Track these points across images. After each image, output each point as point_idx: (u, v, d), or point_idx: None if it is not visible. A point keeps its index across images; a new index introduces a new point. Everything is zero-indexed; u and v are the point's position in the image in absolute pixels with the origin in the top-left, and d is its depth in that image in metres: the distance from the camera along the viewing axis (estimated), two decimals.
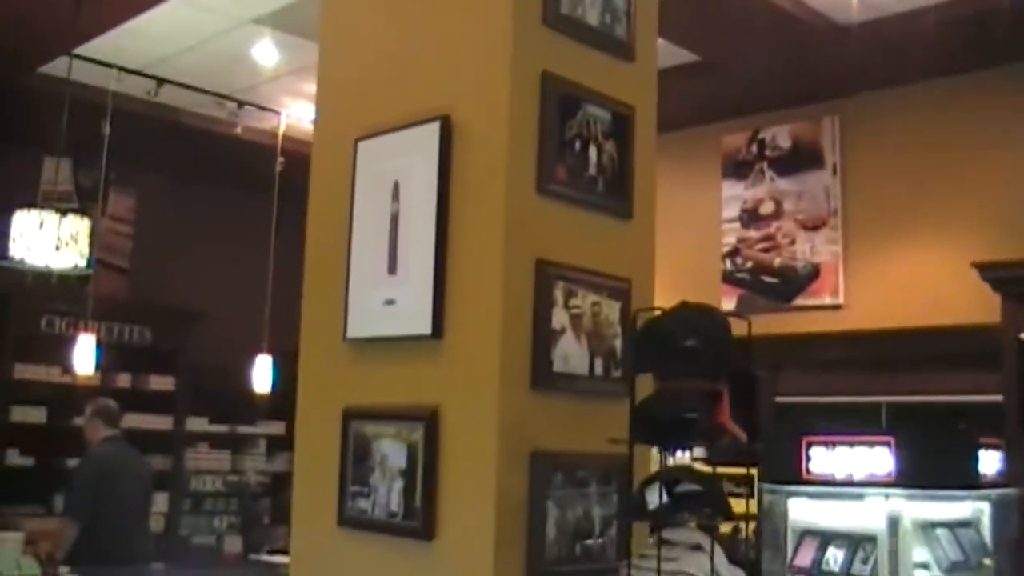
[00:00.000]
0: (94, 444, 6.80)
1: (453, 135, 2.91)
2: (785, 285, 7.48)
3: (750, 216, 7.79)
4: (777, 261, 7.58)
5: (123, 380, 8.94)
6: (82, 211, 5.78)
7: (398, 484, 2.89)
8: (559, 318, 2.85)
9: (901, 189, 7.12)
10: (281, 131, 8.15)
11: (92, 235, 5.71)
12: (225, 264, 10.02)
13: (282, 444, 10.21)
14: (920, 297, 6.86)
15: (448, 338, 2.84)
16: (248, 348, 9.52)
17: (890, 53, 6.74)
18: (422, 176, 2.94)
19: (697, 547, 2.64)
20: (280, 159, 7.98)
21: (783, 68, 7.06)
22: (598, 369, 2.95)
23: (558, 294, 2.86)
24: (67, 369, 8.65)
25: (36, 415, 8.64)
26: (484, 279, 2.79)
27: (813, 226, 7.42)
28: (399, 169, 3.02)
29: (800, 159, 7.58)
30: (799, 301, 7.40)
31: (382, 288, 3.00)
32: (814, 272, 7.38)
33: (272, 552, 7.44)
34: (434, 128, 2.93)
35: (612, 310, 3.00)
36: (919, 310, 6.74)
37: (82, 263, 5.69)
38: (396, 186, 3.02)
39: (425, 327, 2.86)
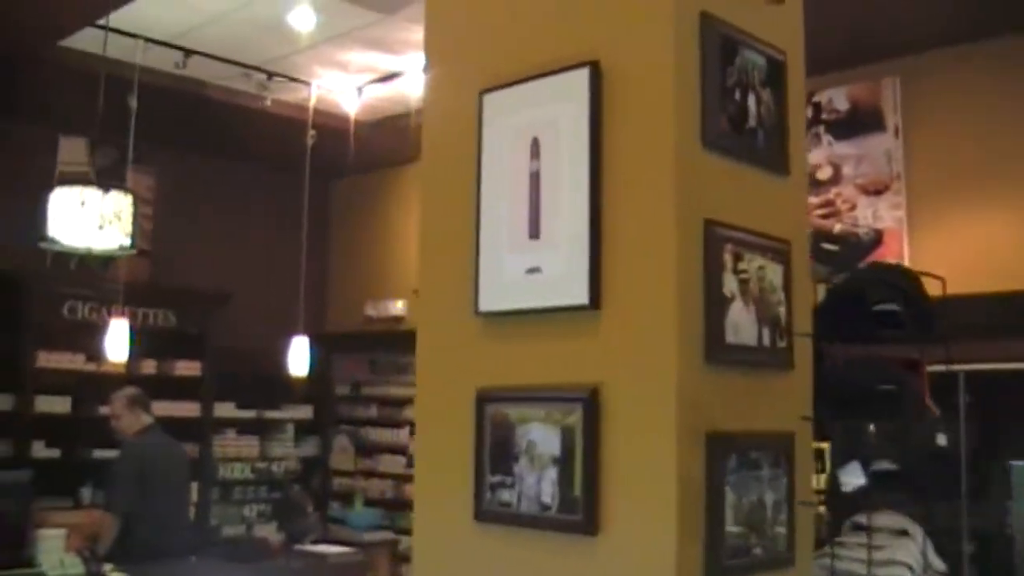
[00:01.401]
0: (132, 434, 6.50)
1: (604, 82, 2.60)
2: (847, 252, 7.19)
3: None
4: (837, 227, 7.29)
5: (148, 366, 8.62)
6: (124, 188, 5.43)
7: (551, 473, 2.59)
8: (728, 284, 2.56)
9: (969, 151, 6.82)
10: (312, 103, 7.83)
11: (135, 213, 5.38)
12: (251, 244, 9.76)
13: (310, 428, 9.96)
14: (990, 262, 6.58)
15: (608, 309, 2.53)
16: (277, 330, 9.25)
17: (955, 8, 6.44)
18: (568, 130, 2.63)
19: (903, 533, 2.36)
20: (311, 132, 7.66)
21: (839, 27, 6.75)
22: (765, 339, 2.66)
23: (727, 257, 2.56)
24: (91, 356, 8.38)
25: (61, 405, 8.34)
26: (649, 242, 2.48)
27: (875, 191, 7.13)
28: (538, 123, 2.70)
29: (859, 122, 7.27)
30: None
31: (523, 255, 2.69)
32: (877, 238, 7.10)
33: (316, 542, 7.13)
34: (582, 76, 2.61)
35: (776, 275, 2.71)
36: (989, 275, 6.46)
37: (126, 243, 5.36)
38: (536, 142, 2.70)
39: (580, 297, 2.55)
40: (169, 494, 6.45)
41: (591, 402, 2.52)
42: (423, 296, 3.03)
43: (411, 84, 7.66)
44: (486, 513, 2.71)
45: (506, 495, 2.67)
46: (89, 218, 5.19)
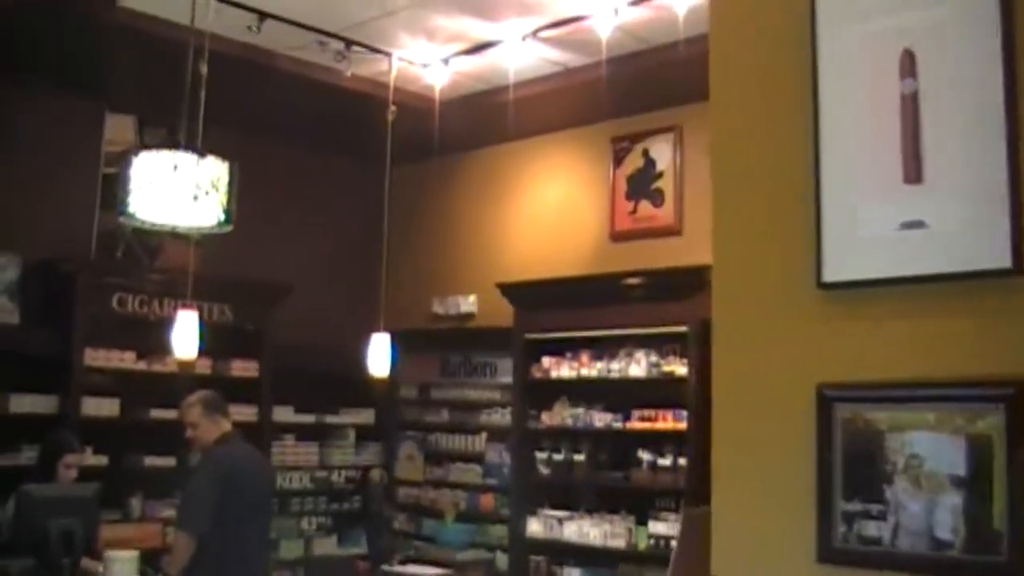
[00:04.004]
0: (211, 443, 5.79)
1: None
2: None
3: None
4: None
5: (203, 365, 7.84)
6: (221, 154, 4.71)
7: (950, 499, 1.89)
8: None
9: None
10: (393, 76, 7.12)
11: (231, 183, 4.67)
12: (310, 233, 9.05)
13: (372, 434, 9.25)
14: None
15: None
16: (339, 327, 8.62)
17: None
18: (961, 37, 1.94)
19: None
20: (392, 108, 6.95)
21: None
22: None
23: None
24: (142, 354, 7.71)
25: (109, 408, 7.61)
26: None
27: None
28: (910, 29, 2.00)
29: None
30: None
31: (895, 206, 1.99)
32: None
33: (405, 562, 6.39)
34: None
35: None
36: None
37: (223, 218, 4.65)
38: (909, 55, 2.00)
39: (996, 258, 1.86)
40: (253, 512, 5.74)
41: (1018, 401, 1.82)
42: (722, 267, 2.31)
43: (507, 55, 6.96)
44: (839, 553, 2.00)
45: (872, 528, 1.97)
46: (182, 188, 4.47)
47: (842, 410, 2.03)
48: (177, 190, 4.48)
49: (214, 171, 4.58)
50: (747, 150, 2.28)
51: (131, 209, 4.61)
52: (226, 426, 5.88)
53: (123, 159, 4.75)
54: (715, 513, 2.27)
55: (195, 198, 4.49)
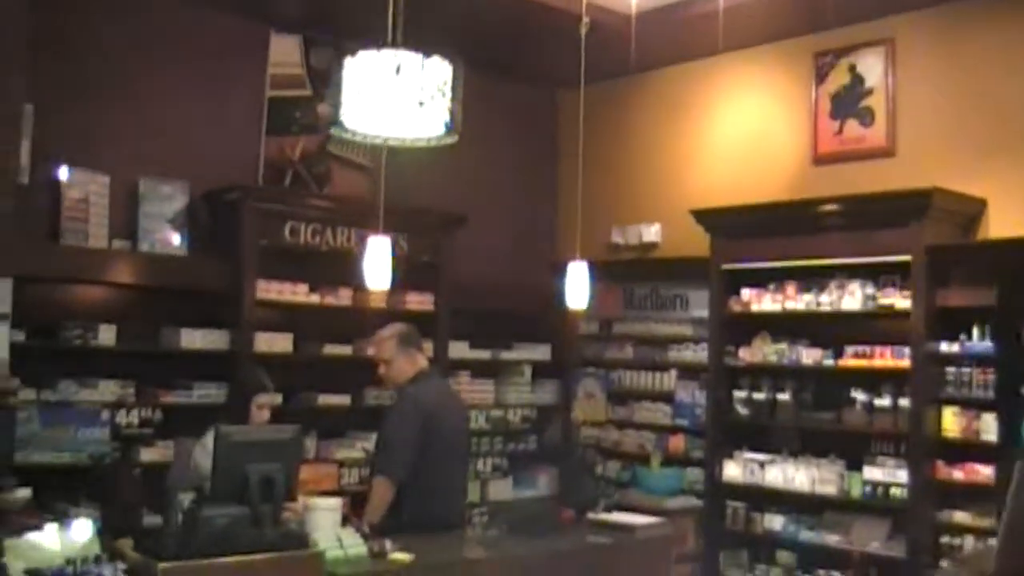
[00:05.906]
0: (405, 380, 5.36)
1: None
2: None
3: None
4: None
5: (376, 299, 7.39)
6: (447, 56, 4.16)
7: None
8: None
9: None
10: None
11: (456, 87, 4.13)
12: (491, 160, 8.56)
13: (546, 372, 8.78)
14: None
15: None
16: (520, 257, 8.21)
17: None
18: None
19: None
20: (585, 20, 6.33)
21: None
22: None
23: None
24: (315, 286, 7.34)
25: (282, 343, 7.23)
26: None
27: None
28: None
29: None
30: None
31: None
32: None
33: (609, 509, 5.86)
34: None
35: None
36: None
37: (449, 126, 4.12)
38: None
39: None
40: (453, 452, 5.34)
41: None
42: None
43: None
44: None
45: None
46: (405, 94, 3.93)
47: None
48: (400, 96, 3.95)
49: (440, 74, 4.04)
50: None
51: (342, 118, 4.10)
52: (422, 362, 5.45)
53: (335, 62, 4.22)
54: None
55: (420, 104, 3.97)
